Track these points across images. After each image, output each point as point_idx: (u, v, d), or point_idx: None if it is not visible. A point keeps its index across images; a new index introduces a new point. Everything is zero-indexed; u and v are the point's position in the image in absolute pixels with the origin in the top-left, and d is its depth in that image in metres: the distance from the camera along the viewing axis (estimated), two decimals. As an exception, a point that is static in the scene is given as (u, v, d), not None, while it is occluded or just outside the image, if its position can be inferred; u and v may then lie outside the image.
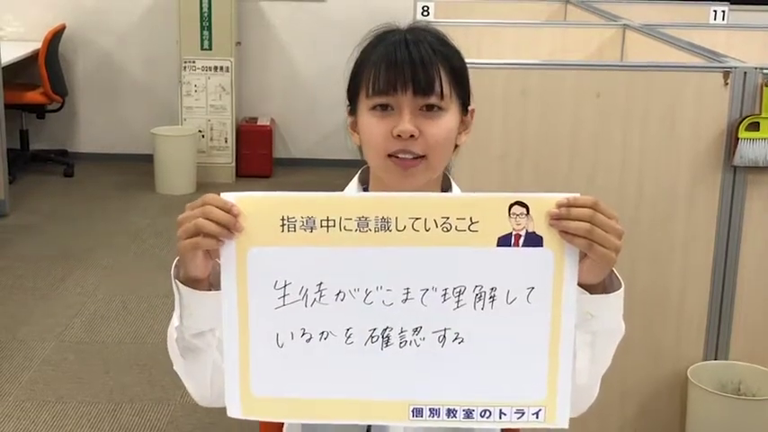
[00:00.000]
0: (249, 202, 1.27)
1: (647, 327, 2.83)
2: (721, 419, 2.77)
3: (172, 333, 1.37)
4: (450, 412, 1.28)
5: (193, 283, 1.31)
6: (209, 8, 6.27)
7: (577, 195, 1.26)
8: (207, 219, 1.24)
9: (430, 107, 1.42)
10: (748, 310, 2.89)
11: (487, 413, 1.28)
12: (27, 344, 4.06)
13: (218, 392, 1.32)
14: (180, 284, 1.32)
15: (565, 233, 1.24)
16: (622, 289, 1.33)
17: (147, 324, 4.27)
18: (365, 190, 1.55)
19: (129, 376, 3.81)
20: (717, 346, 2.90)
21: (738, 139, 2.75)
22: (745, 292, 2.87)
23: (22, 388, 3.70)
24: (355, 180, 1.57)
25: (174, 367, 1.42)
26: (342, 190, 1.58)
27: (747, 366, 2.87)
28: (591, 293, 1.31)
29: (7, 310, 4.40)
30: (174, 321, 1.36)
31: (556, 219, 1.24)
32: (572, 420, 1.31)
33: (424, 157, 1.43)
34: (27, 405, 3.58)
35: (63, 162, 6.63)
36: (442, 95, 1.42)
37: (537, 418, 1.28)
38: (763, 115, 2.75)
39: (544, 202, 1.25)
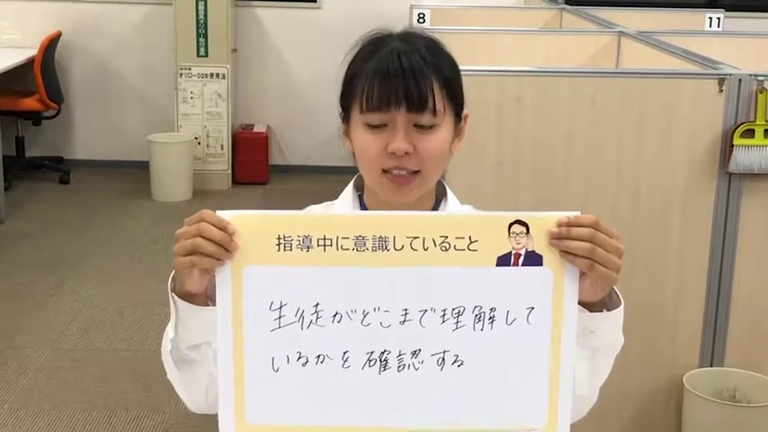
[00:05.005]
0: (245, 220, 1.24)
1: (643, 333, 2.83)
2: (717, 426, 2.77)
3: (166, 344, 1.36)
4: None
5: (190, 296, 1.31)
6: (205, 15, 6.28)
7: (578, 214, 1.24)
8: (203, 237, 1.23)
9: (423, 124, 1.41)
10: (744, 317, 2.89)
11: None
12: (22, 351, 4.05)
13: (213, 400, 1.31)
14: (176, 298, 1.31)
15: (566, 253, 1.23)
16: (622, 306, 1.33)
17: (143, 331, 4.27)
18: (360, 197, 1.54)
19: (124, 384, 3.80)
20: (712, 353, 2.90)
21: (733, 146, 2.75)
22: (740, 299, 2.87)
23: (17, 395, 3.69)
24: (350, 187, 1.56)
25: (168, 376, 1.41)
26: (338, 197, 1.58)
27: (743, 373, 2.87)
28: (591, 311, 1.30)
29: (2, 317, 4.39)
30: (169, 333, 1.35)
31: (556, 238, 1.23)
32: (570, 427, 1.31)
33: (417, 172, 1.42)
34: (22, 413, 3.57)
35: (59, 169, 6.62)
36: (435, 111, 1.41)
37: None
38: (757, 122, 2.76)
39: (544, 221, 1.23)
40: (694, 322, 2.88)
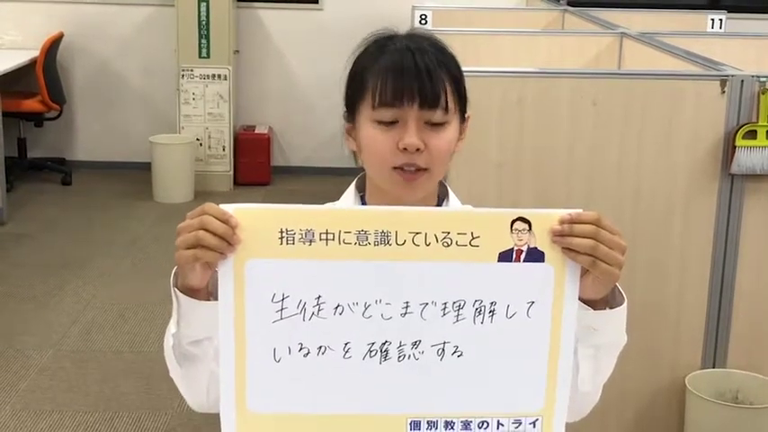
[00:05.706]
0: (248, 213, 1.25)
1: (645, 335, 2.83)
2: (719, 428, 2.77)
3: (168, 339, 1.37)
4: (448, 425, 1.28)
5: (191, 291, 1.31)
6: (207, 16, 6.28)
7: (580, 211, 1.25)
8: (205, 230, 1.23)
9: (435, 121, 1.42)
10: (746, 318, 2.89)
11: (485, 424, 1.28)
12: (24, 353, 4.05)
13: (214, 399, 1.32)
14: (178, 293, 1.32)
15: (568, 250, 1.24)
16: (625, 304, 1.33)
17: (145, 332, 4.27)
18: (362, 197, 1.55)
19: (125, 385, 3.80)
20: (715, 354, 2.90)
21: (735, 147, 2.75)
22: (743, 300, 2.87)
23: (19, 397, 3.69)
24: (352, 188, 1.57)
25: (171, 374, 1.41)
26: (339, 198, 1.58)
27: (745, 374, 2.87)
28: (594, 309, 1.31)
29: (4, 318, 4.39)
30: (171, 328, 1.35)
31: (559, 235, 1.24)
32: (572, 426, 1.32)
33: (426, 169, 1.43)
34: (24, 414, 3.57)
35: (61, 170, 6.62)
36: (446, 109, 1.42)
37: (534, 427, 1.28)
38: (760, 123, 2.76)
39: (546, 218, 1.24)
40: (696, 323, 2.88)
